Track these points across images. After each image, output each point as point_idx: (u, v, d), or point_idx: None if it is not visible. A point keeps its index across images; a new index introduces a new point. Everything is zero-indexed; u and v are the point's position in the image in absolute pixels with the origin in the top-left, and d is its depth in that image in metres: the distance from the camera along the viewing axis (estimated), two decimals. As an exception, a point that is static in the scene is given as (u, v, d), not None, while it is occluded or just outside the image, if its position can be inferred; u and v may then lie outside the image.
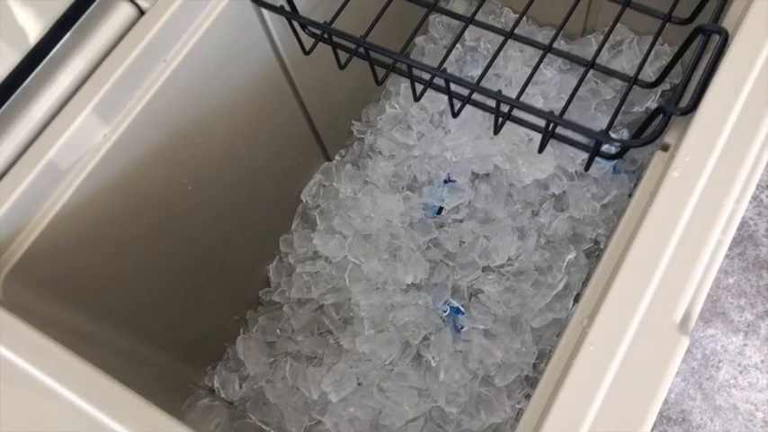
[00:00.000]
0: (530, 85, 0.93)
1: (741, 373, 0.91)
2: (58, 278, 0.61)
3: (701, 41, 0.57)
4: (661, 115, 0.54)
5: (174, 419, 0.47)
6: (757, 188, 1.01)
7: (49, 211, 0.59)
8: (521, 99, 0.63)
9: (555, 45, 0.98)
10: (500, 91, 0.58)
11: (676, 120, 0.53)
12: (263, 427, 0.84)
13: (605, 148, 0.59)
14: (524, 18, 1.00)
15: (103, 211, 0.64)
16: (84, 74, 0.59)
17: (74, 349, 0.53)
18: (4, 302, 0.53)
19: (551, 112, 0.56)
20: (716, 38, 0.55)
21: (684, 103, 0.53)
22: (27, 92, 0.57)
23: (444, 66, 0.62)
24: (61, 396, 0.48)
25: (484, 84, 0.95)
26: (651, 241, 0.47)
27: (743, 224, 0.99)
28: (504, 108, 0.61)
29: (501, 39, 0.67)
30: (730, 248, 0.98)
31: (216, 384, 0.87)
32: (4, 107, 0.56)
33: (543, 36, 0.99)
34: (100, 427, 0.47)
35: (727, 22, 0.57)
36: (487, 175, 0.92)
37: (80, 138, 0.58)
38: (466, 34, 1.01)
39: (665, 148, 0.53)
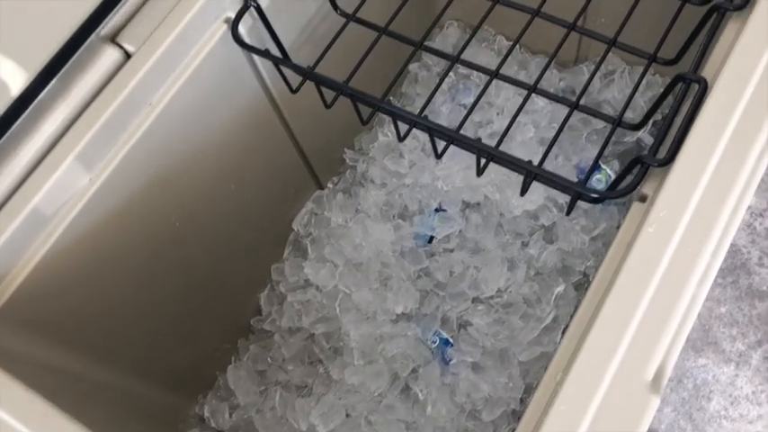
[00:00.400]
0: (522, 114, 0.94)
1: (732, 404, 0.91)
2: (45, 320, 0.62)
3: (682, 89, 0.57)
4: (639, 165, 0.54)
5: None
6: (751, 215, 1.01)
7: (35, 254, 0.59)
8: (508, 132, 0.63)
9: (548, 73, 0.99)
10: (480, 138, 0.58)
11: (655, 170, 0.53)
12: (253, 457, 0.84)
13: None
14: (518, 47, 1.02)
15: (91, 251, 0.64)
16: (70, 119, 0.60)
17: (60, 392, 0.53)
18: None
19: (530, 162, 0.57)
20: (696, 86, 0.56)
21: (663, 152, 0.53)
22: (12, 138, 0.57)
23: (435, 96, 0.62)
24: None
25: (476, 112, 0.96)
26: (624, 297, 0.48)
27: (736, 252, 0.99)
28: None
29: (494, 66, 0.67)
30: (723, 277, 0.98)
31: (206, 414, 0.87)
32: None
33: (536, 64, 0.99)
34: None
35: (707, 70, 0.57)
36: (478, 204, 0.92)
37: (65, 183, 0.59)
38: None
39: (643, 199, 0.53)
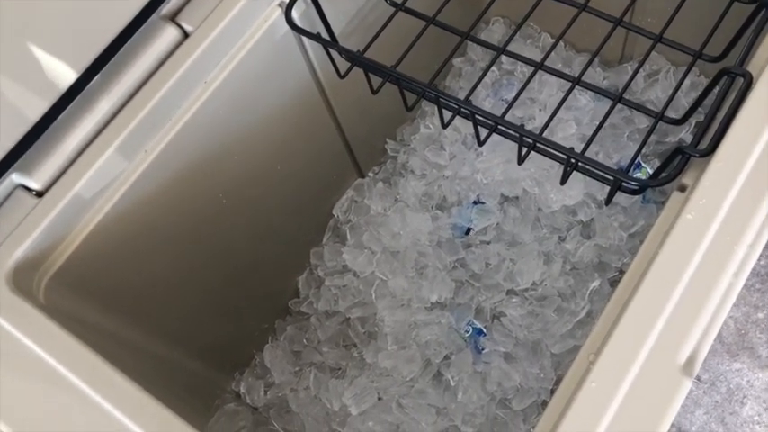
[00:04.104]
0: (564, 110, 0.95)
1: (766, 410, 0.90)
2: (96, 285, 0.65)
3: (726, 83, 0.58)
4: (680, 156, 0.54)
5: (184, 422, 0.49)
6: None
7: (91, 221, 0.62)
8: (550, 127, 0.65)
9: (591, 71, 1.00)
10: (523, 125, 0.60)
11: (696, 161, 0.54)
12: (285, 434, 0.86)
13: (626, 183, 0.60)
14: (562, 43, 1.02)
15: (142, 221, 0.67)
16: (130, 93, 0.63)
17: (106, 353, 0.56)
18: (45, 307, 0.57)
19: (572, 149, 0.58)
20: (740, 80, 0.56)
21: (704, 144, 0.54)
22: (79, 106, 0.61)
23: (477, 90, 0.64)
24: (89, 397, 0.51)
25: (518, 107, 0.97)
26: (660, 282, 0.48)
27: (777, 259, 0.98)
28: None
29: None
30: (762, 283, 0.97)
31: (242, 390, 0.90)
32: (65, 111, 0.60)
33: (580, 62, 0.99)
34: (120, 425, 0.50)
35: (753, 65, 0.57)
36: (516, 198, 0.93)
37: (123, 153, 0.62)
38: (503, 57, 1.02)
39: (683, 188, 0.54)
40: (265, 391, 0.90)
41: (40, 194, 0.60)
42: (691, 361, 0.47)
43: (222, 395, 0.91)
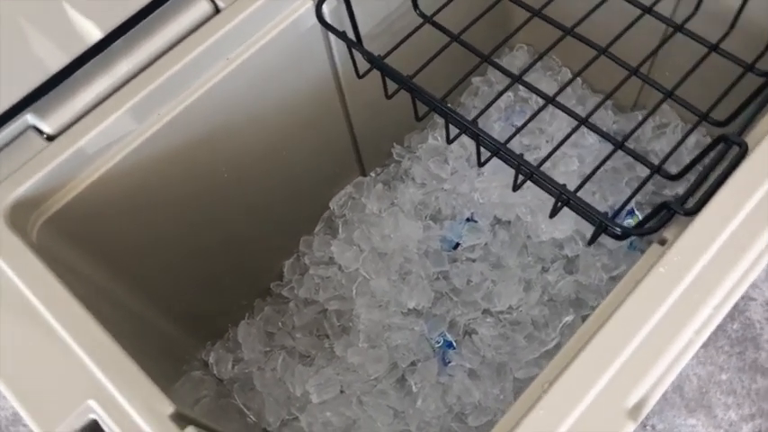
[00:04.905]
0: (571, 146, 0.97)
1: (712, 469, 0.92)
2: (88, 235, 0.67)
3: (723, 149, 0.59)
4: (666, 210, 0.56)
5: (150, 381, 0.51)
6: (773, 293, 1.02)
7: (94, 172, 0.64)
8: (553, 160, 0.67)
9: (603, 113, 1.02)
10: (522, 155, 0.62)
11: (680, 218, 0.56)
12: (245, 410, 0.88)
13: (610, 227, 0.62)
14: (579, 80, 1.04)
15: (143, 181, 0.69)
16: (154, 56, 0.65)
17: (86, 300, 0.58)
18: (36, 246, 0.59)
19: (564, 186, 0.60)
20: (737, 148, 0.58)
21: (691, 204, 0.56)
22: (101, 63, 0.63)
23: (490, 111, 0.66)
24: (63, 340, 0.53)
25: (526, 135, 0.99)
26: (623, 326, 0.50)
27: (749, 325, 1.00)
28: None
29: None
30: (731, 346, 0.99)
31: (211, 360, 0.92)
32: (87, 65, 0.62)
33: (594, 102, 1.01)
34: (88, 373, 0.52)
35: (751, 136, 0.59)
36: (509, 222, 0.95)
37: (137, 112, 0.64)
38: (519, 85, 1.04)
39: (663, 242, 0.56)
40: (233, 366, 0.92)
41: (50, 138, 0.62)
42: (638, 407, 0.49)
43: (191, 362, 0.93)
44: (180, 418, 0.51)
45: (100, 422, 0.51)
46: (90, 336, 0.53)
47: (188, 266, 0.84)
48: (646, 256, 0.55)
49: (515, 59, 1.06)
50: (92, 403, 0.51)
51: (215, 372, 0.92)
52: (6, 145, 0.61)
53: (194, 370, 0.90)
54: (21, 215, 0.60)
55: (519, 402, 0.50)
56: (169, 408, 0.50)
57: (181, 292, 0.85)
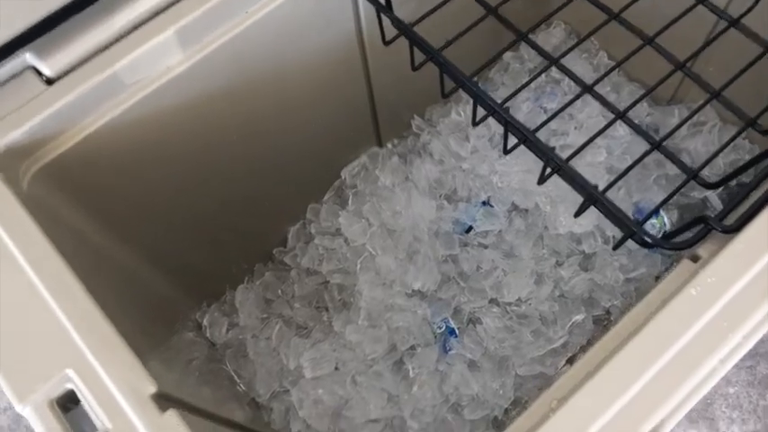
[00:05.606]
0: (599, 137, 0.92)
1: (709, 483, 0.89)
2: (84, 187, 0.63)
3: (770, 164, 0.55)
4: (702, 225, 0.52)
5: (134, 356, 0.48)
6: (792, 309, 0.98)
7: (96, 122, 0.60)
8: (580, 153, 0.62)
9: (639, 104, 0.97)
10: (554, 148, 0.57)
11: (715, 234, 0.52)
12: (235, 378, 0.86)
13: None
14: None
15: (148, 134, 0.65)
16: (165, 5, 0.60)
17: (78, 256, 0.55)
18: (26, 195, 0.55)
19: (596, 186, 0.55)
20: (787, 164, 0.53)
21: (731, 220, 0.52)
22: (108, 5, 0.58)
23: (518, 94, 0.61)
24: (40, 294, 0.49)
25: (554, 120, 0.94)
26: (645, 347, 0.47)
27: (763, 340, 0.96)
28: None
29: (588, 79, 0.66)
30: (742, 360, 0.95)
31: (205, 322, 0.89)
32: (93, 6, 0.58)
33: (629, 91, 0.96)
34: (68, 339, 0.48)
35: (804, 151, 0.55)
36: (526, 210, 0.91)
37: (143, 62, 0.60)
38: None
39: (695, 259, 0.52)
40: (227, 330, 0.89)
41: (49, 82, 0.57)
42: (652, 434, 0.45)
43: (184, 322, 0.90)
44: (162, 399, 0.48)
45: (78, 394, 0.48)
46: (73, 299, 0.50)
47: (189, 223, 0.81)
48: (676, 273, 0.51)
49: (551, 37, 1.00)
50: (70, 372, 0.48)
51: (208, 335, 0.89)
52: (2, 85, 0.57)
53: (187, 331, 0.88)
54: (13, 161, 0.57)
55: (522, 419, 0.47)
56: (151, 387, 0.47)
57: (179, 249, 0.82)
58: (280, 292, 0.92)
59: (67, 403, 0.49)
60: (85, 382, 0.48)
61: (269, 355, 0.86)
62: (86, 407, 0.48)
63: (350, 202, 0.94)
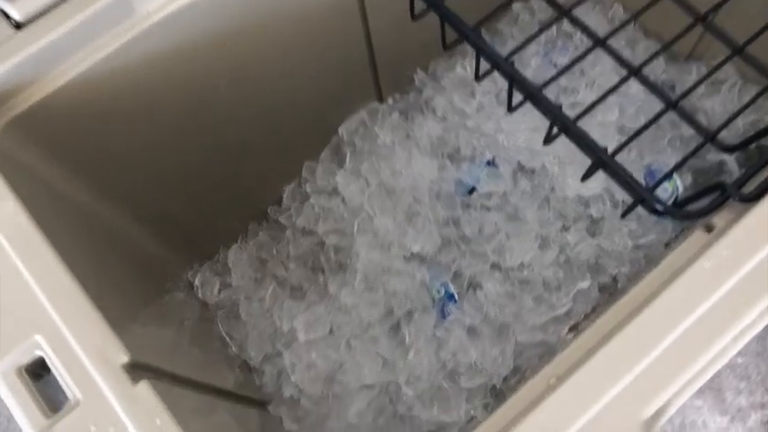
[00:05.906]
0: (611, 94, 0.87)
1: (711, 454, 0.87)
2: (62, 141, 0.60)
3: (797, 126, 0.51)
4: (718, 192, 0.48)
5: (105, 323, 0.45)
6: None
7: (72, 69, 0.57)
8: (591, 112, 0.58)
9: (654, 60, 0.91)
10: (561, 106, 0.53)
11: (732, 203, 0.48)
12: (227, 339, 0.83)
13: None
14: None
15: (132, 81, 0.61)
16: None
17: (57, 216, 0.52)
18: (-4, 150, 0.52)
19: (605, 149, 0.51)
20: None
21: (750, 188, 0.48)
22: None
23: (527, 48, 0.57)
24: (12, 262, 0.47)
25: (564, 75, 0.89)
26: (653, 324, 0.43)
27: (775, 309, 0.93)
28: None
29: (601, 32, 0.61)
30: (752, 329, 0.93)
31: (197, 282, 0.86)
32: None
33: (644, 47, 0.91)
34: (37, 304, 0.46)
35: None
36: (532, 171, 0.87)
37: (121, 6, 0.55)
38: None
39: (710, 228, 0.48)
40: (219, 290, 0.87)
41: (18, 26, 0.53)
42: (657, 415, 0.42)
43: (175, 281, 0.87)
44: (136, 369, 0.45)
45: (47, 362, 0.45)
46: (43, 262, 0.47)
47: (178, 178, 0.77)
48: (689, 243, 0.47)
49: (565, -13, 0.94)
50: (39, 339, 0.45)
51: (200, 294, 0.86)
52: (-34, 28, 0.53)
53: (178, 291, 0.85)
54: (-19, 113, 0.53)
55: (516, 397, 0.44)
56: (123, 357, 0.44)
57: (168, 206, 0.79)
58: (274, 252, 0.89)
59: (38, 370, 0.47)
60: (55, 350, 0.45)
61: (262, 317, 0.84)
62: (57, 375, 0.45)
63: (348, 160, 0.90)
